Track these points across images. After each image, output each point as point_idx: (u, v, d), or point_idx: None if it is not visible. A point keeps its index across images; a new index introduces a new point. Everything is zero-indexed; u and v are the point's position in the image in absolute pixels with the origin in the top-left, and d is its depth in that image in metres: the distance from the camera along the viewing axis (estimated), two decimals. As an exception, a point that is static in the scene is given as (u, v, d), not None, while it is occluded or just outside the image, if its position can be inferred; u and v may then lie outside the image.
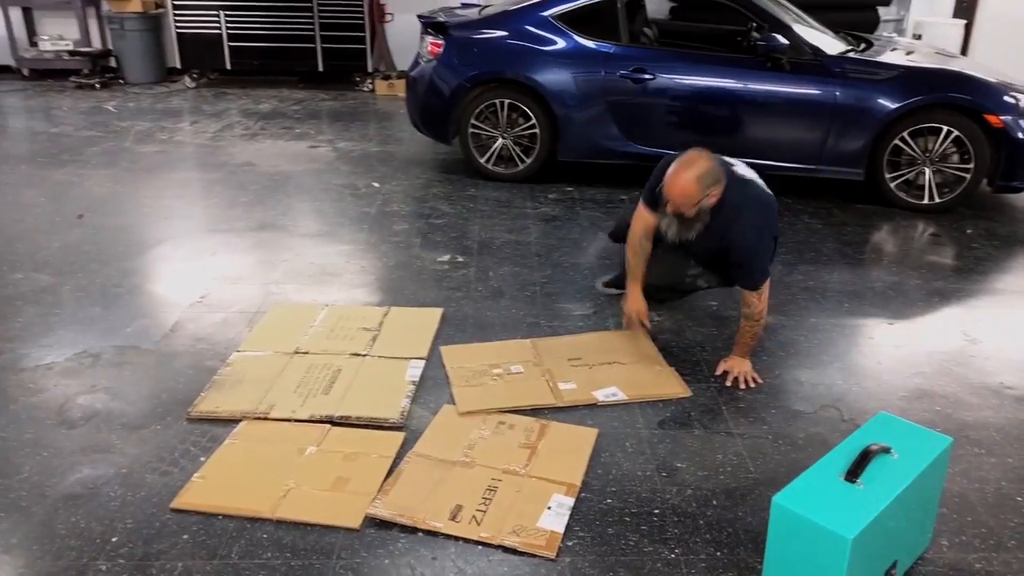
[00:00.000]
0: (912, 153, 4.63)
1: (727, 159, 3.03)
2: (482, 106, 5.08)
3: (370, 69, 8.25)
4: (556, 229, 4.46)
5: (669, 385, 2.94)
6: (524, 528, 2.18)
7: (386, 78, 8.06)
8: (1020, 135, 4.45)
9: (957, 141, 4.53)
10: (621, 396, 2.85)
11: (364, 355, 3.08)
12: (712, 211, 2.88)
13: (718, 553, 2.17)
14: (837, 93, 4.60)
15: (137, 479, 2.40)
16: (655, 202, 3.06)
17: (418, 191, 5.11)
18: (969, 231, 4.51)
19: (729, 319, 3.39)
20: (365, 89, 8.18)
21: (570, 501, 2.31)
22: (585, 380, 2.94)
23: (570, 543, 2.19)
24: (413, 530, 2.20)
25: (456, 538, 2.17)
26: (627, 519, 2.29)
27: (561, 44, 4.95)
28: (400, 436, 2.59)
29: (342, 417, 2.68)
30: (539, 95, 4.95)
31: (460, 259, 4.04)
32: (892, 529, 1.91)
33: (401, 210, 4.75)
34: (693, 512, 2.32)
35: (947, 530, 2.26)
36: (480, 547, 2.15)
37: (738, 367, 3.00)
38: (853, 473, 1.91)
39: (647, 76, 4.80)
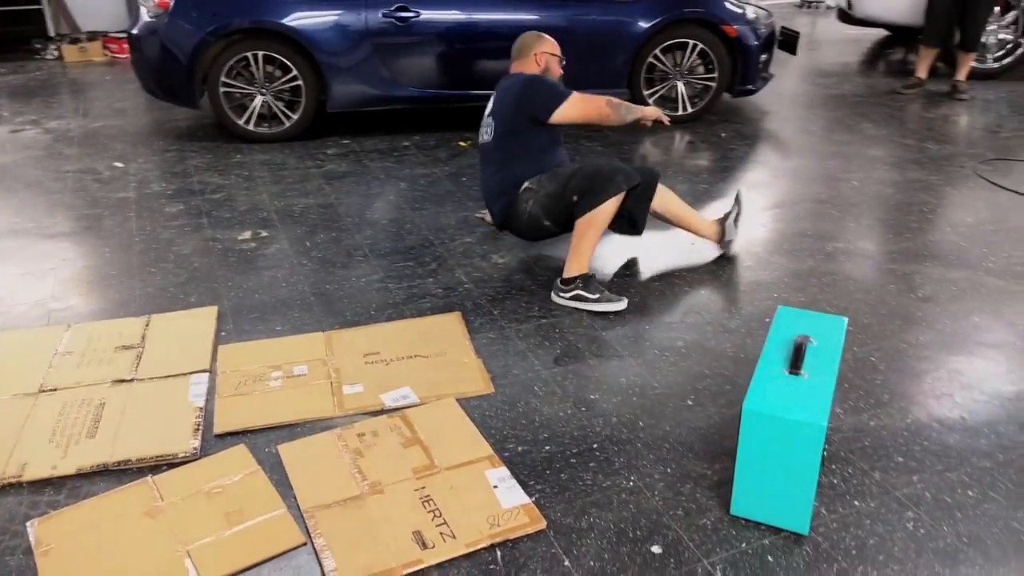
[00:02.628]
0: (664, 69, 4.97)
1: None
2: (232, 61, 4.58)
3: (51, 33, 7.08)
4: (354, 186, 4.20)
5: (471, 381, 2.61)
6: (497, 516, 2.05)
7: (74, 41, 6.97)
8: (750, 42, 4.95)
9: (702, 53, 4.94)
10: (413, 398, 2.53)
11: (130, 380, 2.59)
12: None
13: (668, 470, 2.24)
14: (595, 17, 4.78)
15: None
16: None
17: (175, 166, 4.53)
18: (723, 134, 4.98)
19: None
20: (50, 57, 7.02)
21: (504, 471, 2.21)
22: (376, 380, 2.60)
23: (533, 499, 2.13)
24: None
25: (440, 565, 1.93)
26: (572, 460, 2.27)
27: (315, -16, 4.60)
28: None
29: (119, 463, 2.23)
30: (297, 43, 4.57)
31: (264, 233, 3.66)
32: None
33: (166, 190, 4.18)
34: (627, 437, 2.36)
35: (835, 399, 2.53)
36: (466, 560, 1.95)
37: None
38: (795, 366, 2.04)
39: (411, 14, 4.62)
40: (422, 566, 1.92)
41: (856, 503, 2.10)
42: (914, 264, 3.37)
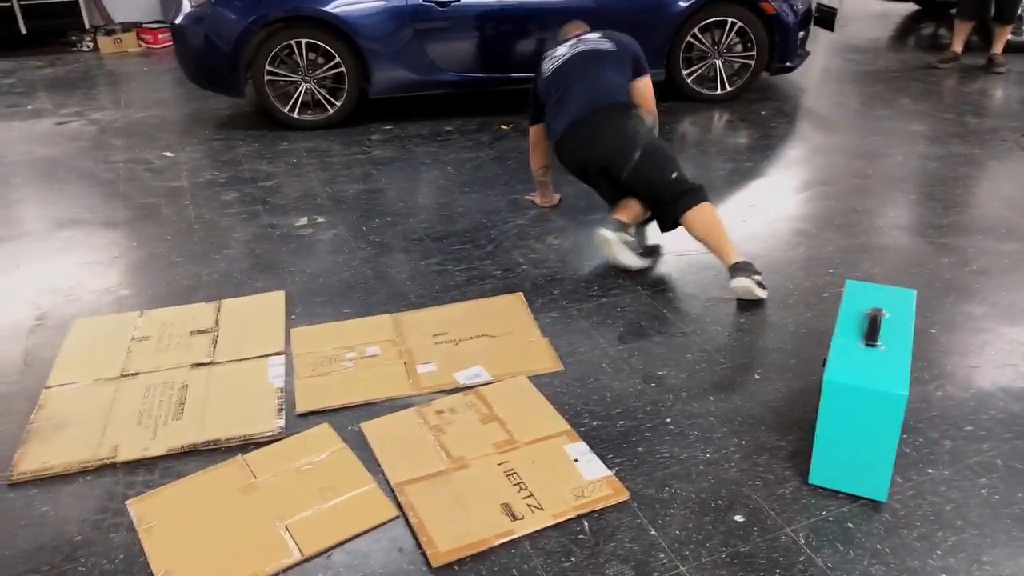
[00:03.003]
0: (703, 48, 4.99)
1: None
2: (276, 49, 4.64)
3: (87, 25, 7.15)
4: (400, 171, 4.26)
5: (540, 359, 2.67)
6: (581, 488, 2.12)
7: (109, 33, 7.05)
8: (788, 19, 4.96)
9: (740, 32, 4.95)
10: (486, 376, 2.59)
11: (208, 363, 2.67)
12: None
13: (742, 442, 2.30)
14: (635, -4, 4.81)
15: None
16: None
17: (224, 154, 4.60)
18: (763, 112, 5.00)
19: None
20: (86, 49, 7.10)
21: (582, 445, 2.28)
22: (447, 359, 2.67)
23: (614, 472, 2.20)
24: (485, 554, 1.96)
25: (531, 535, 1.99)
26: (648, 434, 2.34)
27: (356, -28, 4.64)
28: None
29: (208, 443, 2.31)
30: (340, 31, 4.62)
31: (320, 219, 3.73)
32: (902, 379, 2.14)
33: (218, 178, 4.26)
34: (699, 411, 2.42)
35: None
36: (555, 530, 2.02)
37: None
38: (871, 338, 2.09)
39: (451, -1, 4.66)
40: (513, 536, 2.00)
41: (930, 471, 2.15)
42: (964, 237, 3.39)
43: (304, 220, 3.72)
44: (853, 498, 2.08)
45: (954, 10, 5.97)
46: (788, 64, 5.13)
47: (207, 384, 2.59)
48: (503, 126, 4.86)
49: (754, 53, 4.99)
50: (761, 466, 2.20)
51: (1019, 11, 5.87)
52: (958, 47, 5.86)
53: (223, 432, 2.37)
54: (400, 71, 4.77)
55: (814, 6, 5.31)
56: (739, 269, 2.94)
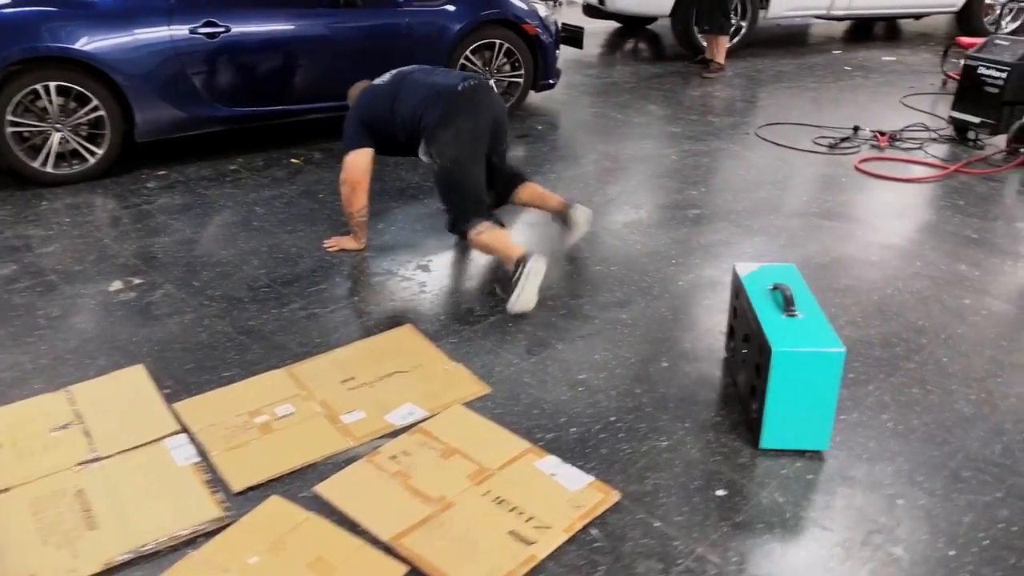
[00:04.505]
0: (475, 69, 5.16)
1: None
2: (18, 96, 3.99)
3: None
4: (201, 217, 3.88)
5: (464, 386, 2.62)
6: (575, 499, 2.13)
7: None
8: (547, 39, 5.30)
9: (507, 52, 5.19)
10: (420, 412, 2.49)
11: (94, 460, 2.28)
12: None
13: (686, 425, 2.46)
14: (408, 22, 4.82)
15: None
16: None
17: (-33, 223, 3.85)
18: (539, 127, 5.29)
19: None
20: None
21: (552, 458, 2.29)
22: (371, 403, 2.52)
23: (592, 476, 2.24)
24: None
25: (551, 556, 1.97)
26: (602, 436, 2.41)
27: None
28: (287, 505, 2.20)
29: (147, 547, 1.99)
30: (95, 70, 4.09)
31: (137, 280, 3.29)
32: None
33: (-26, 250, 3.57)
34: (634, 405, 2.55)
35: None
36: (570, 544, 2.01)
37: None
38: (789, 310, 2.36)
39: (220, 29, 4.33)
40: (537, 561, 1.97)
41: (842, 417, 2.47)
42: (763, 217, 3.90)
43: (118, 284, 3.25)
44: (799, 453, 2.33)
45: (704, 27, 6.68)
46: (551, 81, 5.48)
47: (106, 483, 2.19)
48: (294, 160, 4.62)
49: (522, 72, 5.27)
50: (714, 442, 2.38)
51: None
52: (721, 58, 6.57)
53: (159, 531, 2.03)
54: (169, 110, 4.33)
55: (559, 27, 5.73)
56: (570, 207, 3.50)
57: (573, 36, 5.87)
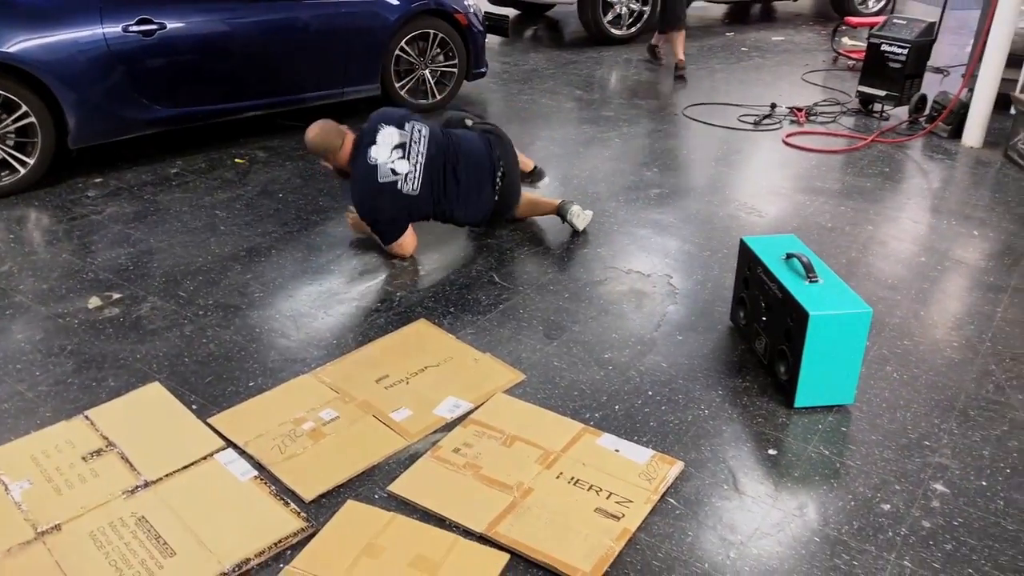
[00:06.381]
0: (410, 60, 5.11)
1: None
2: (-66, 106, 3.65)
3: None
4: (160, 224, 3.69)
5: (500, 374, 2.66)
6: (646, 471, 2.22)
7: None
8: (477, 27, 5.32)
9: (441, 43, 5.17)
10: (466, 404, 2.51)
11: (145, 484, 2.18)
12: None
13: (718, 392, 2.60)
14: (346, 12, 4.72)
15: None
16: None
17: None
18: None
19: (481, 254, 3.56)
20: None
21: (609, 437, 2.37)
22: (414, 400, 2.52)
23: (651, 449, 2.34)
24: (619, 560, 1.96)
25: (640, 528, 2.06)
26: (646, 409, 2.51)
27: (30, -3, 3.85)
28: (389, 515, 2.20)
29: (236, 567, 1.93)
30: (22, 74, 3.79)
31: (116, 295, 3.11)
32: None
33: (-90, 275, 3.25)
34: (666, 379, 2.66)
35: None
36: (654, 516, 2.10)
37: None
38: (810, 277, 2.53)
39: (155, 26, 4.10)
40: (630, 535, 2.05)
41: (854, 372, 2.68)
42: (724, 193, 4.11)
43: (96, 300, 3.07)
44: (828, 408, 2.52)
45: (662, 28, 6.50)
46: (482, 70, 5.50)
47: (166, 507, 2.10)
48: (238, 160, 4.45)
49: (456, 61, 5.26)
50: (750, 406, 2.54)
51: (619, 10, 7.03)
52: (681, 54, 6.29)
53: (244, 549, 1.98)
54: (106, 114, 4.08)
55: (482, 16, 5.75)
56: (566, 204, 3.68)
57: (498, 25, 5.92)
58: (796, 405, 2.51)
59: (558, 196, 3.79)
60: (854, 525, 2.09)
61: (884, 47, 5.22)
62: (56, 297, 3.09)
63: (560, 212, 3.66)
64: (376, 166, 3.24)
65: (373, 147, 3.26)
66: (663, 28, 6.49)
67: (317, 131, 3.33)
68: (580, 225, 3.64)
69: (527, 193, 3.73)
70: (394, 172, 3.25)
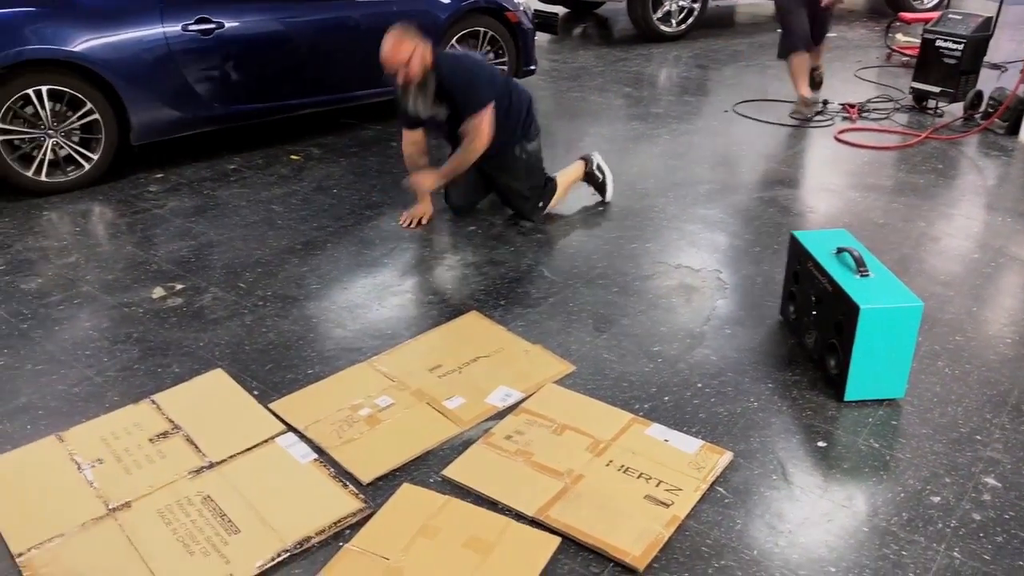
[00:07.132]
0: (460, 58, 5.19)
1: None
2: (8, 103, 3.81)
3: None
4: (219, 219, 3.81)
5: (550, 365, 2.71)
6: (695, 461, 2.25)
7: None
8: (527, 25, 5.37)
9: (491, 40, 5.24)
10: (517, 394, 2.56)
11: (210, 465, 2.27)
12: (436, 72, 3.44)
13: (768, 385, 2.61)
14: (398, 11, 4.80)
15: None
16: (408, 121, 3.64)
17: (-33, 237, 3.68)
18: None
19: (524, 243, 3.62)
20: None
21: (659, 426, 2.40)
22: (467, 388, 2.58)
23: (700, 439, 2.37)
24: (669, 545, 2.00)
25: (690, 515, 2.09)
26: (695, 401, 2.53)
27: (97, -2, 4.01)
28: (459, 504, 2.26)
29: (298, 544, 2.01)
30: (88, 72, 3.94)
31: (179, 286, 3.23)
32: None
33: (-13, 265, 3.42)
34: (715, 371, 2.68)
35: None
36: (703, 504, 2.13)
37: (422, 188, 3.67)
38: (861, 271, 2.53)
39: (213, 25, 4.24)
40: (679, 522, 2.08)
41: (905, 367, 2.67)
42: (775, 189, 4.10)
43: (160, 291, 3.19)
44: (878, 402, 2.51)
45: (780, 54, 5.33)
46: (532, 68, 5.55)
47: (230, 487, 2.19)
48: (293, 156, 4.57)
49: (506, 59, 5.32)
50: (799, 399, 2.54)
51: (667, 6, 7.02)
52: (805, 90, 5.18)
53: (305, 528, 2.05)
54: (165, 111, 4.22)
55: (531, 14, 5.80)
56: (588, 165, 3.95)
57: (548, 22, 5.96)
58: (846, 399, 2.51)
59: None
60: (903, 516, 2.09)
61: (939, 43, 5.13)
62: (121, 287, 3.22)
63: (587, 168, 3.94)
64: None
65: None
66: (778, 53, 5.30)
67: (398, 28, 3.51)
68: (606, 170, 3.95)
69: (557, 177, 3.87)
70: None
